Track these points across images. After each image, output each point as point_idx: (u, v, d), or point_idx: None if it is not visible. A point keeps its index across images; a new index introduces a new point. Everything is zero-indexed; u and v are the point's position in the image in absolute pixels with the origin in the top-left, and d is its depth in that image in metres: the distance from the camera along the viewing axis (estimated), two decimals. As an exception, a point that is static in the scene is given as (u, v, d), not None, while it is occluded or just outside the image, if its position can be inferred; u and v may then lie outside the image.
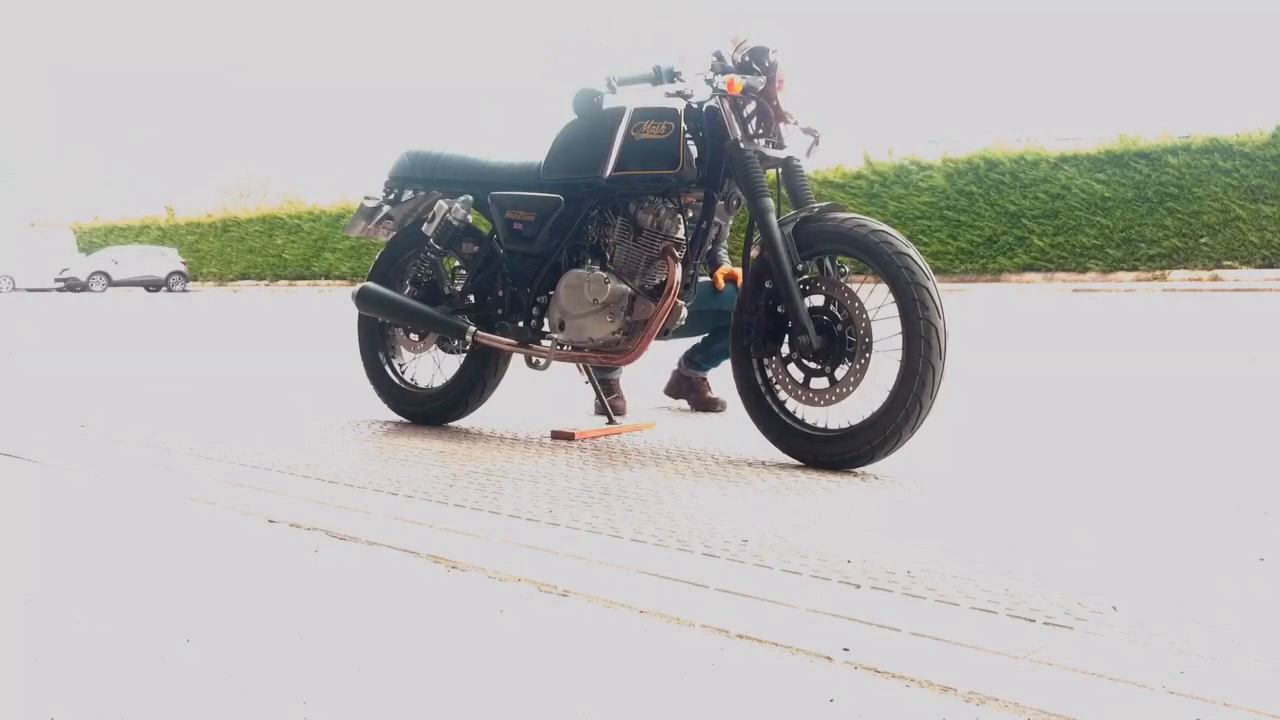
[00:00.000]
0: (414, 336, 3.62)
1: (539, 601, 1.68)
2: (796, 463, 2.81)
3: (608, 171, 3.06)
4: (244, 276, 32.53)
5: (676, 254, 3.06)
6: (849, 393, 2.74)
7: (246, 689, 1.34)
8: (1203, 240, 18.25)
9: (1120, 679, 1.33)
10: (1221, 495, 2.40)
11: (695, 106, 3.00)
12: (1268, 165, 17.83)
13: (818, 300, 2.81)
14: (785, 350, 2.86)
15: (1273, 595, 1.68)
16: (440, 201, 3.48)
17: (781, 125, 2.97)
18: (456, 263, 3.60)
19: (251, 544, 2.04)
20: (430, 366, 3.65)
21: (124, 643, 1.50)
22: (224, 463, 2.85)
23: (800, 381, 2.83)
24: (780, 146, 2.97)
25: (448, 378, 3.55)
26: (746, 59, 2.97)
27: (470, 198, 3.45)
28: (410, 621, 1.59)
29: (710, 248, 3.63)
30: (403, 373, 3.71)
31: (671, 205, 3.09)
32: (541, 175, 3.28)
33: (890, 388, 2.64)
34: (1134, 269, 18.79)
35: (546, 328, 3.31)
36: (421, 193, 3.61)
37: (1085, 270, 19.26)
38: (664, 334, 3.11)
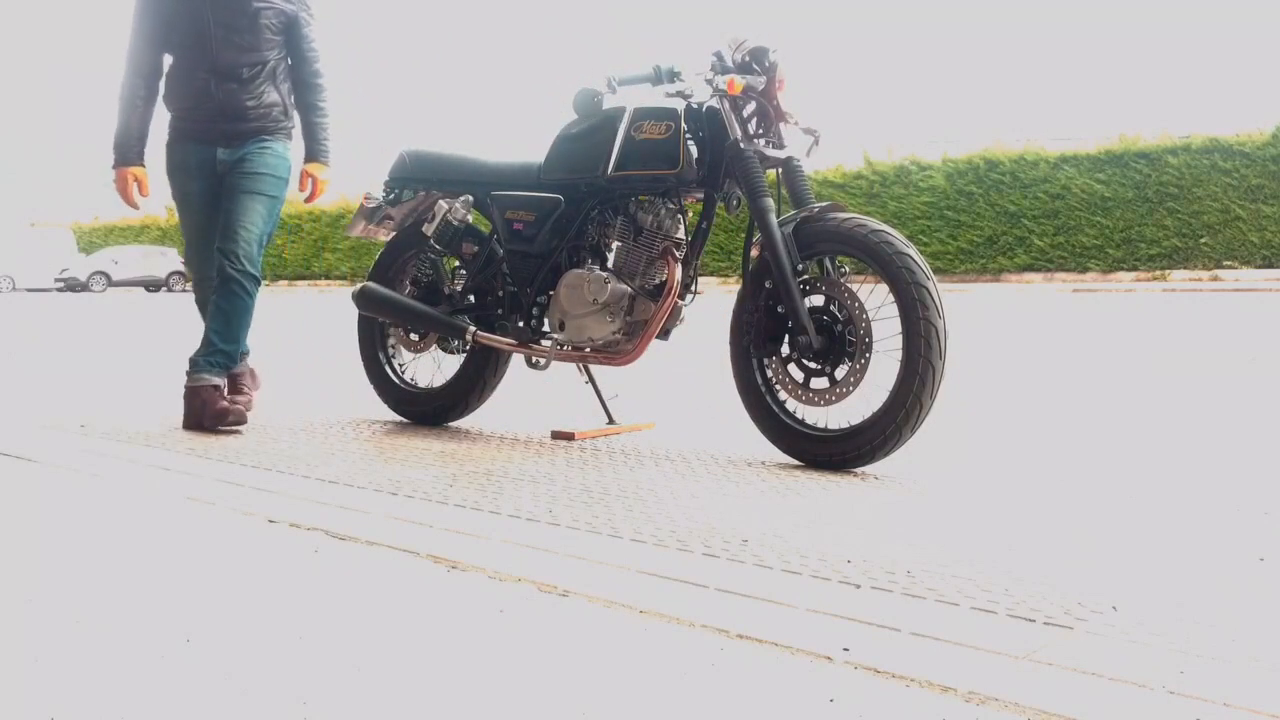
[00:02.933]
0: (414, 336, 3.62)
1: (539, 601, 1.68)
2: (796, 463, 2.82)
3: (608, 171, 3.06)
4: (244, 276, 32.49)
5: (676, 254, 3.06)
6: (849, 393, 2.74)
7: (246, 689, 1.34)
8: (1203, 240, 18.26)
9: (1120, 679, 1.33)
10: (1221, 495, 2.40)
11: (695, 106, 3.00)
12: (1268, 165, 17.84)
13: (818, 300, 2.81)
14: (785, 350, 2.87)
15: (1273, 595, 1.68)
16: (440, 201, 3.48)
17: (781, 125, 2.97)
18: (456, 263, 3.60)
19: (251, 544, 2.04)
20: (430, 366, 3.65)
21: (124, 643, 1.50)
22: (224, 463, 2.85)
23: (800, 381, 2.83)
24: (780, 146, 2.97)
25: (448, 378, 3.56)
26: (746, 59, 2.97)
27: (470, 198, 3.45)
28: (410, 621, 1.59)
29: None
30: (403, 373, 3.71)
31: (672, 205, 3.09)
32: (541, 175, 3.28)
33: (890, 388, 2.65)
34: (1134, 269, 18.80)
35: (546, 328, 3.31)
36: (421, 193, 3.62)
37: (1085, 270, 19.27)
38: (664, 334, 3.11)
